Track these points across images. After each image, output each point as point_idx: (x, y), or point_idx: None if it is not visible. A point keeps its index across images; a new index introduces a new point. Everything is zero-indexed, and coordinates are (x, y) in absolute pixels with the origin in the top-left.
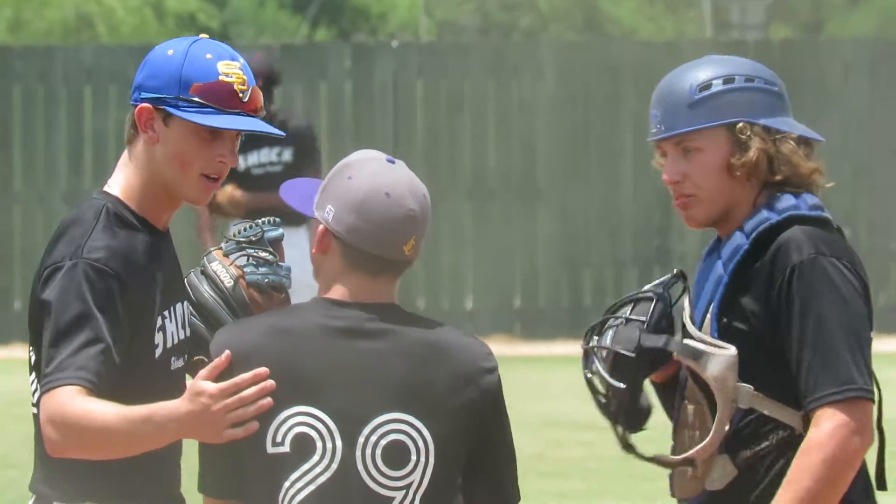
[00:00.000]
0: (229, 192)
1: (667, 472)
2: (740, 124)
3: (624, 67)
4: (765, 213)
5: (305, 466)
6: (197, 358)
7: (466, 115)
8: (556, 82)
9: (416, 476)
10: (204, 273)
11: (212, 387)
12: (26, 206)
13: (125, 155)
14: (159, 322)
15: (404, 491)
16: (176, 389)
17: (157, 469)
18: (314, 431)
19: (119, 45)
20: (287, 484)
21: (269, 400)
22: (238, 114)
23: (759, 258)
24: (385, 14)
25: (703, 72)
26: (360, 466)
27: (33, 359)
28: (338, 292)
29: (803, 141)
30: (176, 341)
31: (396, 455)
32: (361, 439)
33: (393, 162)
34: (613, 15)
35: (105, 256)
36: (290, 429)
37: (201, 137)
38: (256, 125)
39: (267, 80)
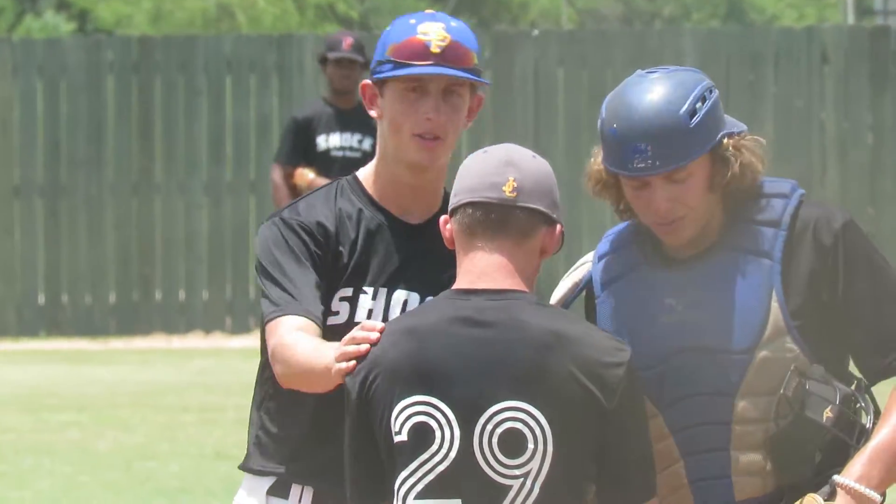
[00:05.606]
0: (308, 175)
1: None
2: (724, 141)
3: (764, 54)
4: (778, 202)
5: (424, 456)
6: None
7: None
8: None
9: (535, 464)
10: None
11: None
12: (167, 196)
13: None
14: (348, 292)
15: (522, 479)
16: None
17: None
18: (433, 420)
19: (259, 35)
20: (405, 473)
21: (366, 346)
22: (428, 65)
23: (792, 243)
24: (526, 3)
25: (674, 94)
26: (477, 455)
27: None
28: (464, 279)
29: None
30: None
31: (513, 443)
32: (478, 427)
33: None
34: (756, 3)
35: (299, 216)
36: (408, 418)
37: (405, 97)
38: (436, 70)
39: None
